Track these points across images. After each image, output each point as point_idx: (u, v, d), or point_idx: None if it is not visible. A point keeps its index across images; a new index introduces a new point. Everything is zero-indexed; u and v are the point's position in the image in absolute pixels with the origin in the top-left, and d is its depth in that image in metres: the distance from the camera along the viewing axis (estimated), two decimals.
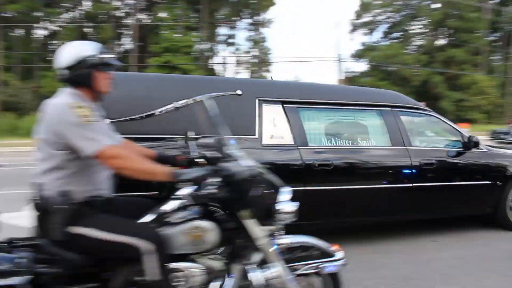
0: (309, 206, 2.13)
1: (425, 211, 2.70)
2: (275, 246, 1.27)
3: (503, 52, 24.10)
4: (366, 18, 24.92)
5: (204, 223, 1.26)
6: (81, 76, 1.27)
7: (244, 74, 26.02)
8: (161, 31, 21.03)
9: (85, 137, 1.18)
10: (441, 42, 24.82)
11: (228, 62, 25.30)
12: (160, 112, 1.90)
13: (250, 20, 24.45)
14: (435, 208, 2.73)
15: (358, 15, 24.53)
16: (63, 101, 1.22)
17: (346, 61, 22.57)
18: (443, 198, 2.86)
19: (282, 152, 2.33)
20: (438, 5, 23.49)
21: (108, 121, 1.52)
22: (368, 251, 2.52)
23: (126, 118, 2.07)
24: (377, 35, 26.61)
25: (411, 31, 25.38)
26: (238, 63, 25.11)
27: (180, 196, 1.27)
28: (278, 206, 1.25)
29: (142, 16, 23.06)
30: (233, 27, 24.73)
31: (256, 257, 1.29)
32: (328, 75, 31.53)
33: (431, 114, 3.07)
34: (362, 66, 27.50)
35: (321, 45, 44.78)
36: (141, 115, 2.06)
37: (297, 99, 2.53)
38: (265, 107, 2.42)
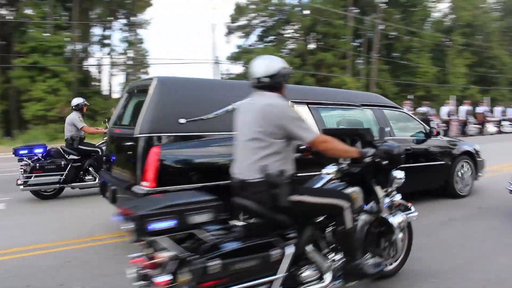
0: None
1: (403, 187, 3.73)
2: (397, 199, 3.41)
3: (365, 57, 36.06)
4: (241, 22, 35.10)
5: (357, 189, 3.09)
6: (278, 83, 2.67)
7: (120, 76, 34.04)
8: (28, 30, 26.27)
9: (303, 128, 2.52)
10: (312, 46, 36.08)
11: (103, 64, 32.80)
12: (222, 112, 4.02)
13: (125, 21, 32.64)
14: (410, 184, 4.05)
15: (234, 18, 34.61)
16: (280, 102, 2.54)
17: (223, 63, 32.03)
18: (415, 176, 5.68)
19: None
20: (308, 12, 34.59)
21: (184, 120, 3.90)
22: None
23: (199, 118, 4.22)
24: (253, 38, 36.99)
25: (284, 35, 36.25)
26: (114, 65, 33.05)
27: (329, 173, 3.09)
28: (394, 174, 3.36)
29: (3, 11, 28.18)
30: (108, 28, 32.36)
31: (385, 210, 3.37)
32: (206, 77, 41.48)
33: (402, 111, 6.55)
34: (238, 68, 37.74)
35: (199, 47, 56.53)
36: (208, 116, 4.21)
37: (318, 101, 5.30)
38: (296, 107, 4.51)
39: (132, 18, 33.91)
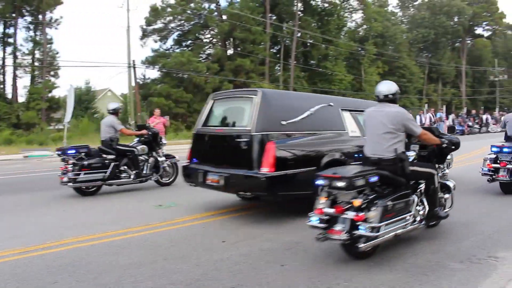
0: None
1: None
2: (447, 171, 5.69)
3: (283, 63, 36.82)
4: (157, 25, 34.42)
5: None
6: (396, 99, 4.69)
7: (26, 78, 31.86)
8: None
9: (416, 126, 4.59)
10: (230, 51, 36.15)
11: (7, 65, 30.60)
12: (304, 116, 6.17)
13: (31, 18, 30.70)
14: None
15: (149, 21, 33.81)
16: (402, 110, 4.69)
17: (139, 67, 31.13)
18: None
19: (357, 139, 6.59)
20: (225, 17, 34.70)
21: (284, 122, 5.95)
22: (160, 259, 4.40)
23: (292, 121, 6.01)
24: (170, 42, 36.45)
25: (202, 40, 36.05)
26: (18, 66, 30.91)
27: (411, 155, 5.02)
28: (448, 156, 5.55)
29: None
30: (11, 25, 30.24)
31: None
32: (121, 81, 40.10)
33: None
34: (154, 72, 36.92)
35: (114, 50, 54.55)
36: (297, 118, 6.09)
37: (355, 108, 7.10)
38: (344, 113, 6.80)
39: (39, 16, 32.02)
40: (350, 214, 4.05)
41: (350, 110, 6.98)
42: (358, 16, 53.19)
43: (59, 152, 8.38)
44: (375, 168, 4.32)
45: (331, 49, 42.01)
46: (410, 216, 4.51)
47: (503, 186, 7.85)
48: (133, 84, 28.95)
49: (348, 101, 8.40)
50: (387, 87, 4.68)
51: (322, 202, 4.20)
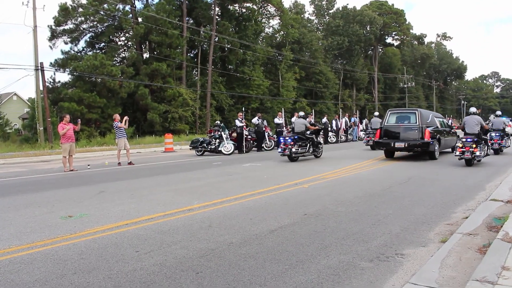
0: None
1: None
2: None
3: (200, 68, 37.82)
4: (68, 25, 33.89)
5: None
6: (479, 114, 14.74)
7: None
8: None
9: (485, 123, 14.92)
10: (146, 55, 36.46)
11: None
12: (437, 124, 17.68)
13: None
14: None
15: (58, 21, 33.21)
16: (479, 117, 14.57)
17: (47, 70, 30.51)
18: None
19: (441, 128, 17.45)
20: (141, 19, 34.94)
21: (428, 121, 16.92)
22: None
23: (429, 121, 17.25)
24: (81, 44, 36.00)
25: (116, 43, 36.07)
26: None
27: None
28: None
29: None
30: None
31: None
32: (28, 84, 38.89)
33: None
34: (65, 76, 36.32)
35: (20, 51, 52.60)
36: (429, 119, 17.20)
37: (437, 117, 18.48)
38: (436, 119, 17.81)
39: None
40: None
41: (436, 117, 17.54)
42: (275, 22, 55.64)
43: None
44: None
45: (249, 54, 43.62)
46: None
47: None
48: (41, 88, 28.40)
49: (432, 113, 18.41)
50: (475, 108, 13.64)
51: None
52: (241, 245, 5.41)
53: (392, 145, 15.58)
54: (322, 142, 18.18)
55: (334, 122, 31.67)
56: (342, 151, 22.34)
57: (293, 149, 15.60)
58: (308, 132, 16.72)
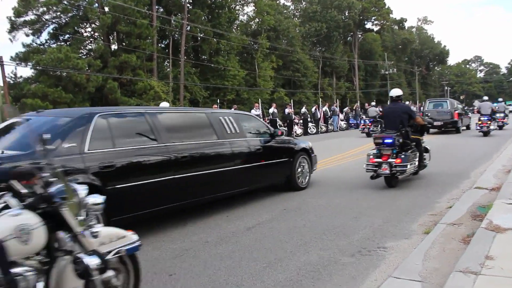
0: None
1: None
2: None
3: (172, 59, 37.47)
4: (29, 16, 33.14)
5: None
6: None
7: None
8: None
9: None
10: (114, 47, 35.93)
11: None
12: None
13: None
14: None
15: (18, 12, 32.46)
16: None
17: (7, 64, 29.88)
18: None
19: None
20: (107, 9, 34.39)
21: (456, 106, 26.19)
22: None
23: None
24: (44, 36, 35.29)
25: (82, 34, 35.44)
26: None
27: None
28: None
29: None
30: None
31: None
32: None
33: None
34: (27, 70, 35.56)
35: None
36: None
37: None
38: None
39: None
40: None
41: (457, 104, 27.90)
42: (249, 9, 55.53)
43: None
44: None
45: (223, 43, 43.39)
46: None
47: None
48: (1, 84, 27.84)
49: (456, 101, 28.87)
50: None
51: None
52: (217, 244, 5.42)
53: (433, 124, 20.95)
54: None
55: (314, 111, 31.84)
56: (335, 140, 22.73)
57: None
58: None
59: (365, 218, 6.42)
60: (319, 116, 31.62)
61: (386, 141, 8.63)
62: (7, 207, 2.82)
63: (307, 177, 9.25)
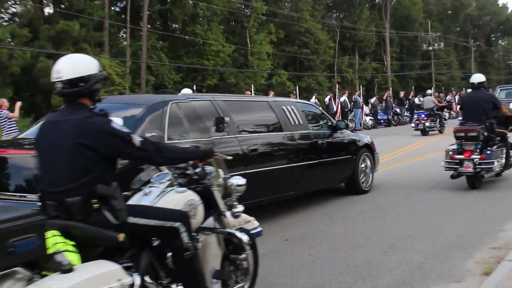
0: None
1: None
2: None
3: (131, 28, 37.32)
4: None
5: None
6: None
7: None
8: None
9: None
10: (49, 10, 35.86)
11: None
12: None
13: None
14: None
15: None
16: None
17: None
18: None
19: None
20: None
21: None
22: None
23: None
24: None
25: None
26: None
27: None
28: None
29: None
30: None
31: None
32: None
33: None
34: None
35: None
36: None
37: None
38: None
39: None
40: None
41: None
42: None
43: None
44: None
45: (202, 6, 42.91)
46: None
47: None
48: None
49: None
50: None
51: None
52: None
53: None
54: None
55: (327, 102, 31.62)
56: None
57: None
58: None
59: (398, 252, 6.37)
60: (335, 109, 31.33)
61: (469, 134, 9.60)
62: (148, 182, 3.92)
63: (370, 179, 9.99)
